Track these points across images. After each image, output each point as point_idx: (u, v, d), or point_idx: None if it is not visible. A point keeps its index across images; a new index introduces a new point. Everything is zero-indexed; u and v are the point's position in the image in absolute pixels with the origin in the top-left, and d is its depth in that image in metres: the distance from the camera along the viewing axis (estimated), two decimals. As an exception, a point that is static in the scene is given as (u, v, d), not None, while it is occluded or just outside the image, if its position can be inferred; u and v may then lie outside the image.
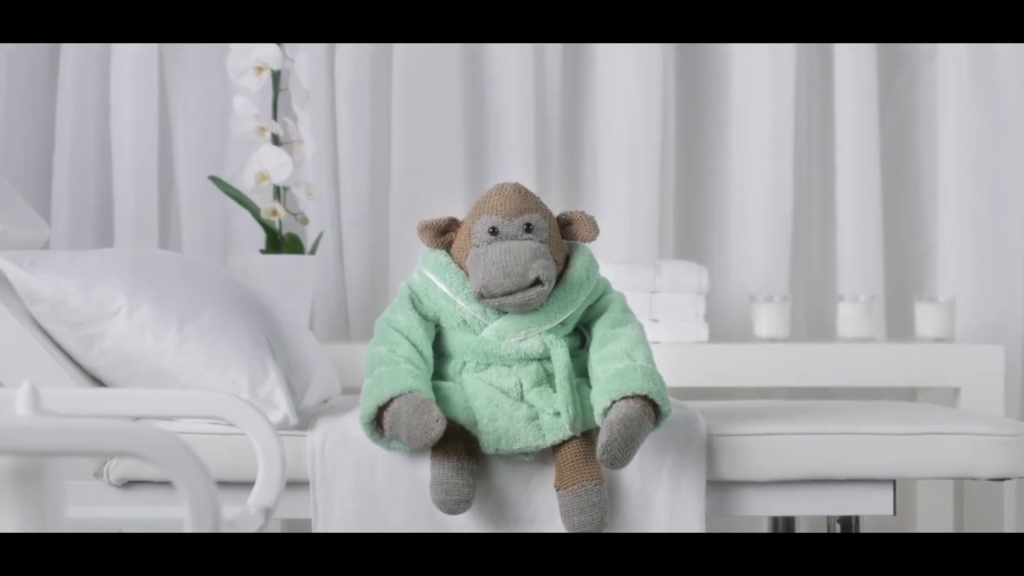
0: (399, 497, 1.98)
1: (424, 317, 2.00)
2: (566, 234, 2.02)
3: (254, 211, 2.83)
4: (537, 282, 1.91)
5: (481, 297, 1.92)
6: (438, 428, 1.85)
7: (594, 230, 2.01)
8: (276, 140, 2.81)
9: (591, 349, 2.00)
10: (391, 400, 1.88)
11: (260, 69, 2.79)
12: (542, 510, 1.97)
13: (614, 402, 1.88)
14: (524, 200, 1.98)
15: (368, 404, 1.90)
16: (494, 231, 1.95)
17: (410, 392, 1.88)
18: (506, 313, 1.96)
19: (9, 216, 2.22)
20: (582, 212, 2.02)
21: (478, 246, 1.95)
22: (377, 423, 1.91)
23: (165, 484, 1.99)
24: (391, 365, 1.93)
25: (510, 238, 1.94)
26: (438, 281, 1.97)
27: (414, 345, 1.97)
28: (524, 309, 1.94)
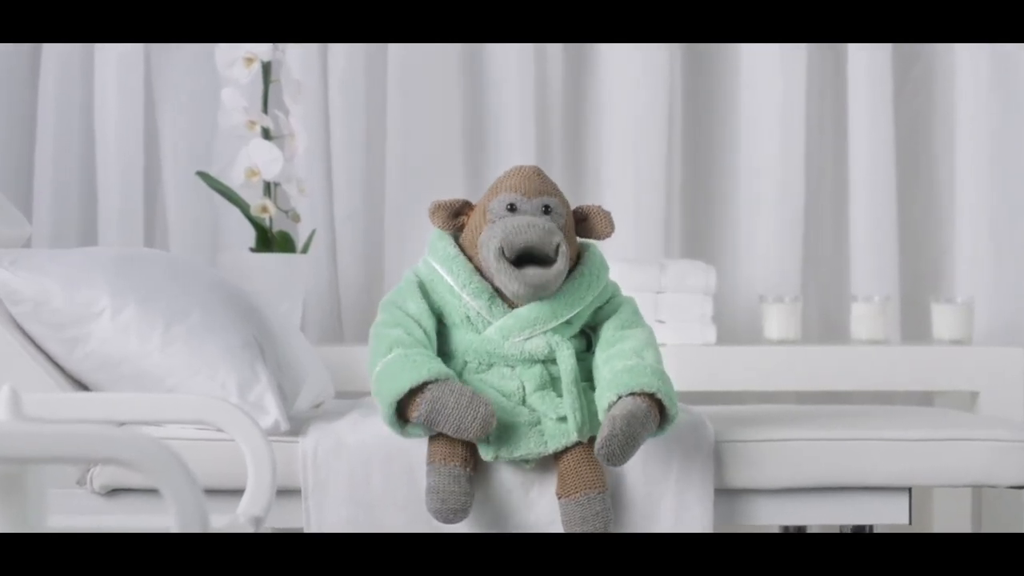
0: (394, 505, 1.97)
1: (430, 307, 1.99)
2: (581, 230, 2.01)
3: (244, 208, 2.83)
4: (557, 251, 1.90)
5: (501, 254, 1.89)
6: (494, 423, 1.86)
7: (610, 226, 2.00)
8: (266, 134, 2.81)
9: (598, 349, 1.99)
10: (424, 384, 1.87)
11: (250, 60, 2.79)
12: (543, 519, 1.96)
13: (620, 397, 1.87)
14: (543, 183, 1.98)
15: (397, 386, 1.86)
16: (512, 207, 1.94)
17: (447, 379, 1.88)
18: (511, 311, 1.95)
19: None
20: (598, 207, 2.01)
21: (494, 222, 1.94)
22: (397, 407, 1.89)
23: (151, 492, 1.99)
24: (410, 348, 1.92)
25: (529, 215, 1.94)
26: (444, 273, 1.96)
27: (426, 334, 1.96)
28: (538, 292, 1.92)
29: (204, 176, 2.87)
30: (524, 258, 1.91)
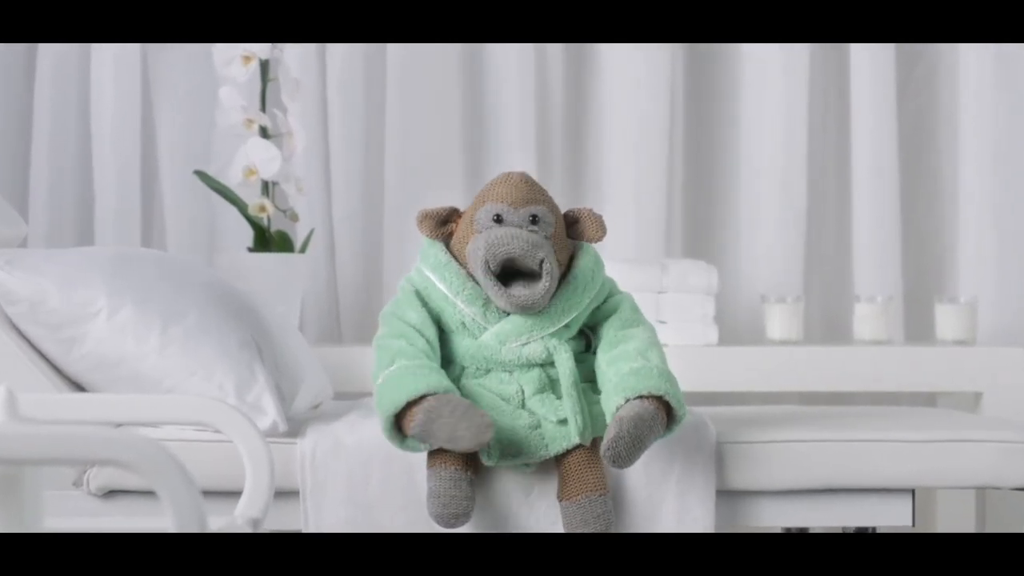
0: (394, 508, 1.98)
1: (430, 315, 2.00)
2: (572, 233, 2.01)
3: (241, 207, 2.83)
4: (542, 267, 1.90)
5: (487, 268, 1.90)
6: (490, 433, 1.84)
7: (601, 230, 2.00)
8: (264, 133, 2.82)
9: (600, 350, 1.99)
10: (422, 397, 1.86)
11: (248, 58, 2.80)
12: (544, 522, 1.97)
13: (628, 400, 1.87)
14: (531, 191, 1.97)
15: (395, 398, 1.86)
16: (498, 219, 1.94)
17: (445, 392, 1.87)
18: (507, 316, 1.96)
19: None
20: (589, 210, 2.01)
21: (480, 232, 1.95)
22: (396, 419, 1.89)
23: (148, 494, 1.99)
24: (413, 359, 1.92)
25: (515, 227, 1.94)
26: (437, 280, 1.97)
27: (429, 343, 1.96)
28: (527, 310, 1.93)
29: (202, 175, 2.88)
30: (509, 271, 1.92)
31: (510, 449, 1.92)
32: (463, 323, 1.97)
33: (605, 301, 2.02)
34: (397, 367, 1.90)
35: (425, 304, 1.99)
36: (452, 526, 1.90)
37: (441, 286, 1.97)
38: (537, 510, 1.97)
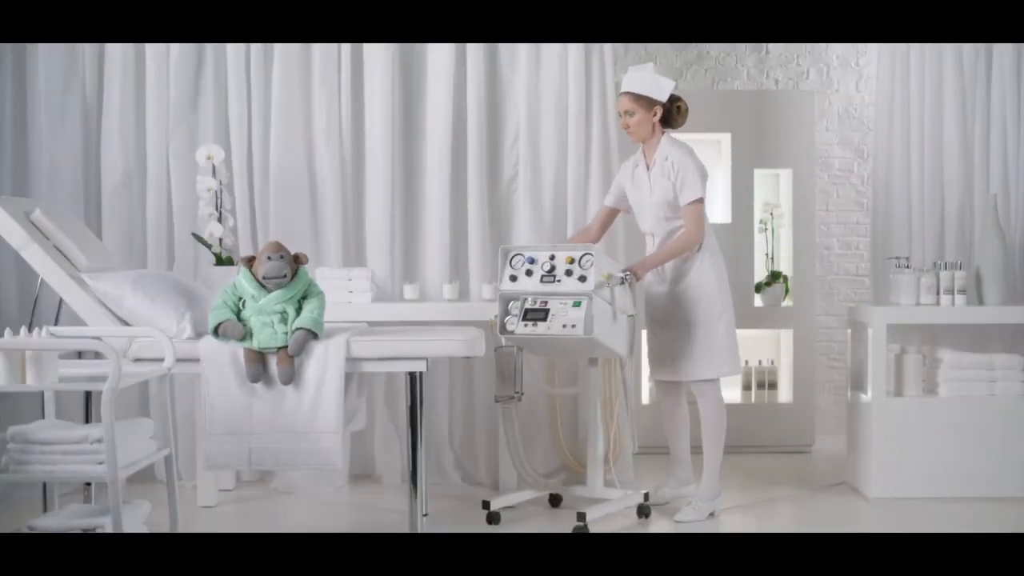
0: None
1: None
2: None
3: (209, 247, 6.45)
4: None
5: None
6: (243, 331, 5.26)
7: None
8: (220, 217, 6.45)
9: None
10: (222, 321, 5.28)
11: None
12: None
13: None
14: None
15: (215, 320, 5.31)
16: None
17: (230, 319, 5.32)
18: (266, 294, 5.41)
19: (88, 252, 5.82)
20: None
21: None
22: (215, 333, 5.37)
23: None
24: (226, 310, 5.27)
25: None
26: (247, 283, 5.36)
27: (236, 304, 5.30)
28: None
29: (196, 236, 6.52)
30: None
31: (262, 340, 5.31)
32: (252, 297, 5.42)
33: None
34: (220, 311, 5.37)
35: (236, 291, 5.43)
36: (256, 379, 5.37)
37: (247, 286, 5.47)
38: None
